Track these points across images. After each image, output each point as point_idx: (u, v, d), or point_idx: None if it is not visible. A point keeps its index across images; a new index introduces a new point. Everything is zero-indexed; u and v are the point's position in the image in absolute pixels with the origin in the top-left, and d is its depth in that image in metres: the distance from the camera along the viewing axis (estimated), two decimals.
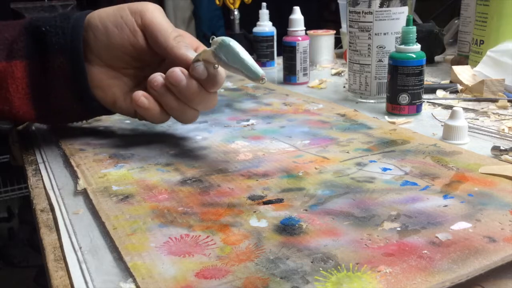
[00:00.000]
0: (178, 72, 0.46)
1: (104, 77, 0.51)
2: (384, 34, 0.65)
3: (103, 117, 0.62)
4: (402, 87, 0.60)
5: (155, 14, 0.50)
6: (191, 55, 0.48)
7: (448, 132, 0.52)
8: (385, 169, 0.44)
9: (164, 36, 0.49)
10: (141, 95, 0.48)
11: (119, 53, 0.50)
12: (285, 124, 0.59)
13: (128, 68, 0.52)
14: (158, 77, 0.48)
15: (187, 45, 0.49)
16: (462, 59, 0.87)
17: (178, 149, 0.52)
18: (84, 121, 0.61)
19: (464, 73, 0.73)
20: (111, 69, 0.52)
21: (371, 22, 0.65)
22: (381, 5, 0.64)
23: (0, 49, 0.49)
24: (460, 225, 0.34)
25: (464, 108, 0.62)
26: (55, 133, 0.57)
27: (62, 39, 0.49)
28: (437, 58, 0.97)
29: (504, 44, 0.72)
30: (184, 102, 0.48)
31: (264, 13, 0.94)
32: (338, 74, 0.90)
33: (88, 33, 0.50)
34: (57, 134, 0.56)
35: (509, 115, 0.60)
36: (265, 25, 0.94)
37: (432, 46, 0.91)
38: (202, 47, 0.53)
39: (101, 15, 0.50)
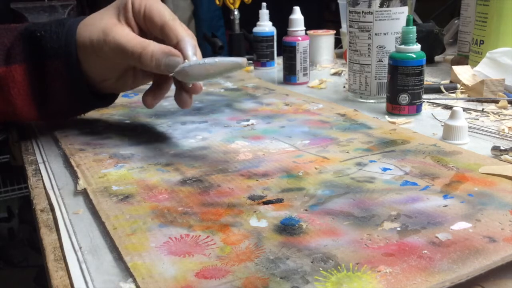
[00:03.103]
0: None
1: (98, 77, 0.54)
2: (384, 34, 0.65)
3: (103, 117, 0.63)
4: (402, 87, 0.60)
5: (118, 34, 0.50)
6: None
7: (448, 132, 0.52)
8: (385, 169, 0.44)
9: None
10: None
11: (110, 68, 0.53)
12: (285, 124, 0.59)
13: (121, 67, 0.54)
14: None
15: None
16: (462, 59, 0.87)
17: (178, 149, 0.52)
18: (82, 115, 0.62)
19: (464, 73, 0.73)
20: (104, 73, 0.54)
21: (371, 22, 0.65)
22: (381, 5, 0.64)
23: None
24: (460, 225, 0.34)
25: (464, 108, 0.62)
26: (55, 133, 0.57)
27: (57, 44, 0.51)
28: (437, 58, 0.97)
29: (503, 48, 0.72)
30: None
31: (264, 13, 0.94)
32: (337, 74, 0.90)
33: (79, 52, 0.51)
34: (57, 134, 0.56)
35: (509, 115, 0.60)
36: (265, 25, 0.94)
37: (432, 46, 0.91)
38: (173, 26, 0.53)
39: (92, 41, 0.50)
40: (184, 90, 0.51)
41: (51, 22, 0.52)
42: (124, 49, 0.48)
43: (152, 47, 0.48)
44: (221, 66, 0.45)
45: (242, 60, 0.44)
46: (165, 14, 0.50)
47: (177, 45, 0.49)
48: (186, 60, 0.48)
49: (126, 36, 0.49)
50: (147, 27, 0.51)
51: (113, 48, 0.49)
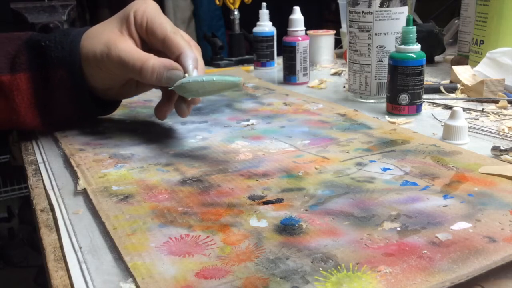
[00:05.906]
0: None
1: (101, 86, 0.55)
2: (384, 34, 0.65)
3: (103, 117, 0.63)
4: (402, 87, 0.60)
5: (120, 49, 0.50)
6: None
7: (448, 132, 0.52)
8: (385, 169, 0.44)
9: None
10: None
11: (114, 79, 0.54)
12: (285, 124, 0.59)
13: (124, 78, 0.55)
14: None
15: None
16: (462, 59, 0.87)
17: (178, 149, 0.52)
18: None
19: (464, 73, 0.73)
20: (107, 84, 0.55)
21: (371, 22, 0.65)
22: (381, 5, 0.64)
23: (4, 62, 0.51)
24: (460, 225, 0.34)
25: (464, 108, 0.62)
26: (55, 133, 0.57)
27: (61, 54, 0.51)
28: (437, 58, 0.97)
29: (503, 48, 0.72)
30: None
31: (264, 13, 0.94)
32: (337, 74, 0.90)
33: (83, 63, 0.52)
34: (57, 134, 0.56)
35: (509, 115, 0.60)
36: (265, 25, 0.94)
37: (432, 46, 0.91)
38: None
39: (95, 54, 0.50)
40: (183, 101, 0.52)
41: (55, 32, 0.53)
42: (125, 64, 0.49)
43: (153, 61, 0.49)
44: (218, 85, 0.47)
45: (239, 80, 0.46)
46: (166, 28, 0.51)
47: (178, 58, 0.50)
48: (186, 75, 0.49)
49: (128, 51, 0.49)
50: (149, 40, 0.52)
51: (115, 63, 0.50)
